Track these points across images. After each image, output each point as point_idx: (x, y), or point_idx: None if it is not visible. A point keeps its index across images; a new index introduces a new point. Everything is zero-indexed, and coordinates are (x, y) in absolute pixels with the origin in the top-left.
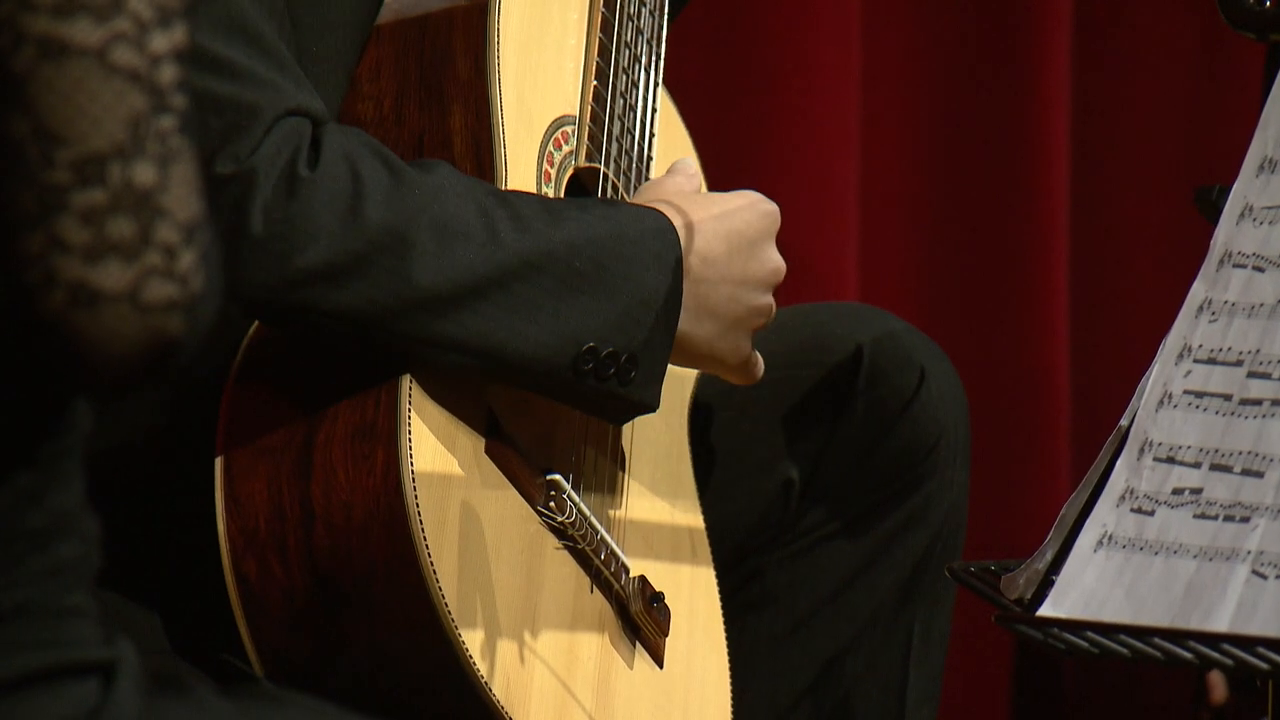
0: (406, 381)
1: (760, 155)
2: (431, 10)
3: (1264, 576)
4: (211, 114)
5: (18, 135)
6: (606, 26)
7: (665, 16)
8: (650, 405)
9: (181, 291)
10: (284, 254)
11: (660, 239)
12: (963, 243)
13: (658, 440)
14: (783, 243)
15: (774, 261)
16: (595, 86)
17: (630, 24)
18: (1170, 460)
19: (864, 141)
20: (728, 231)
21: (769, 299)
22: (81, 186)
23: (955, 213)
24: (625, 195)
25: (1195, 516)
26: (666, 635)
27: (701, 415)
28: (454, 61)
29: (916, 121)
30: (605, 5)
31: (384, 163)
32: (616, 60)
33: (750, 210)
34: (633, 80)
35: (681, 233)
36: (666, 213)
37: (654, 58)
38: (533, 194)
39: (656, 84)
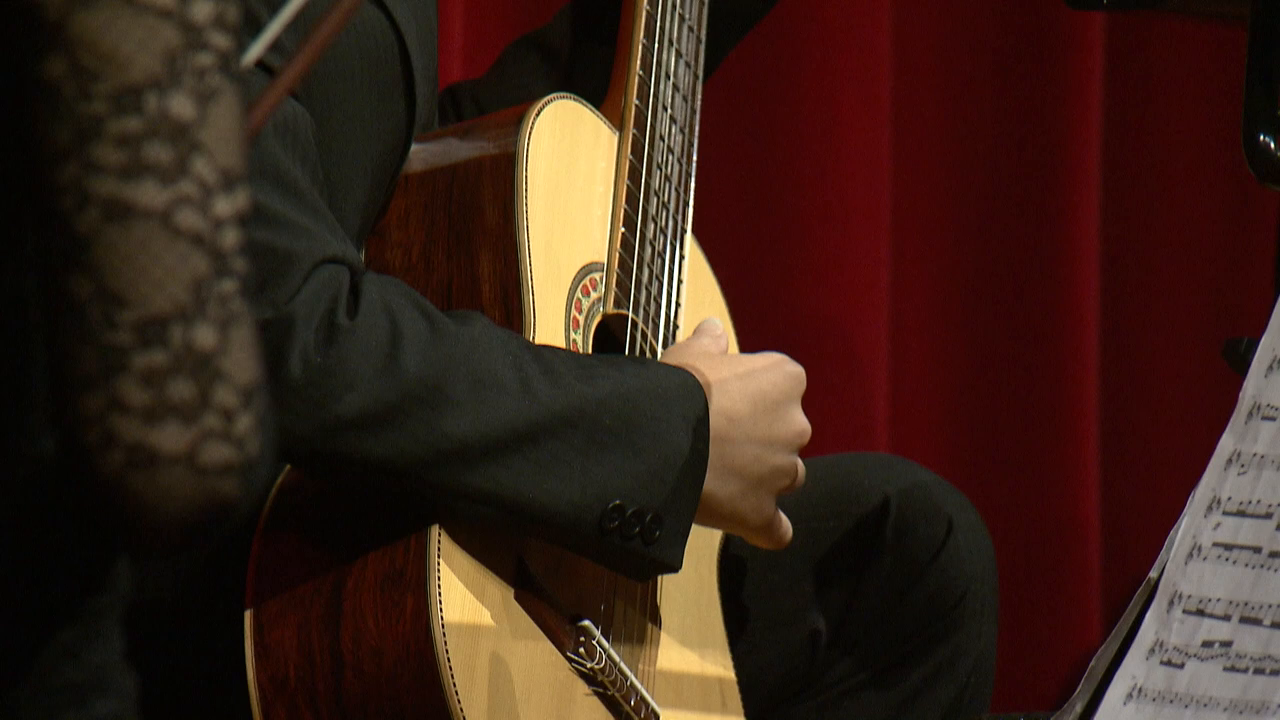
0: (435, 528)
1: (787, 298)
2: (460, 159)
3: None
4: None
5: (80, 296)
6: (634, 174)
7: (693, 163)
8: (673, 565)
9: (238, 455)
10: (321, 401)
11: (687, 399)
12: (993, 391)
13: (687, 587)
14: (812, 387)
15: (799, 423)
16: (623, 234)
17: (658, 171)
18: (1200, 613)
19: (893, 286)
20: (753, 392)
21: (794, 460)
22: (143, 348)
23: (986, 360)
24: (654, 342)
25: (1225, 670)
26: None
27: (730, 564)
28: (482, 209)
29: (946, 268)
30: (633, 153)
31: (423, 314)
32: (644, 207)
33: (775, 371)
34: (661, 227)
35: (708, 392)
36: (695, 374)
37: (682, 204)
38: (565, 349)
39: (684, 231)
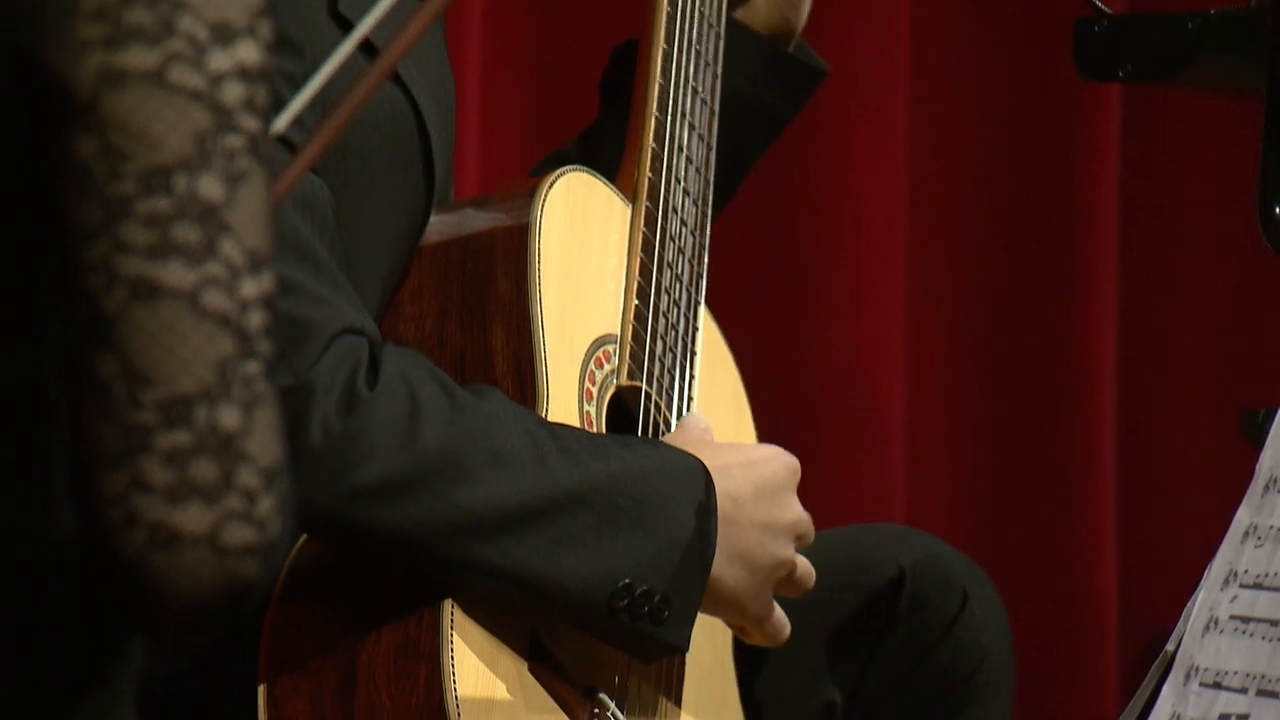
0: (449, 601)
1: (801, 365)
2: (473, 231)
3: None
4: None
5: (106, 375)
6: (647, 246)
7: (706, 236)
8: (681, 647)
9: (259, 536)
10: (339, 469)
11: (694, 482)
12: (1010, 461)
13: (703, 659)
14: (828, 453)
15: (796, 511)
16: (636, 306)
17: (671, 244)
18: (1216, 686)
19: (909, 353)
20: (754, 478)
21: (792, 550)
22: (167, 428)
23: (1003, 429)
24: (667, 414)
25: None
26: None
27: None
28: (495, 282)
29: (963, 336)
30: (646, 225)
31: (441, 387)
32: (658, 279)
33: (775, 460)
34: (674, 299)
35: (714, 475)
36: (702, 458)
37: (695, 276)
38: (579, 428)
39: (698, 302)
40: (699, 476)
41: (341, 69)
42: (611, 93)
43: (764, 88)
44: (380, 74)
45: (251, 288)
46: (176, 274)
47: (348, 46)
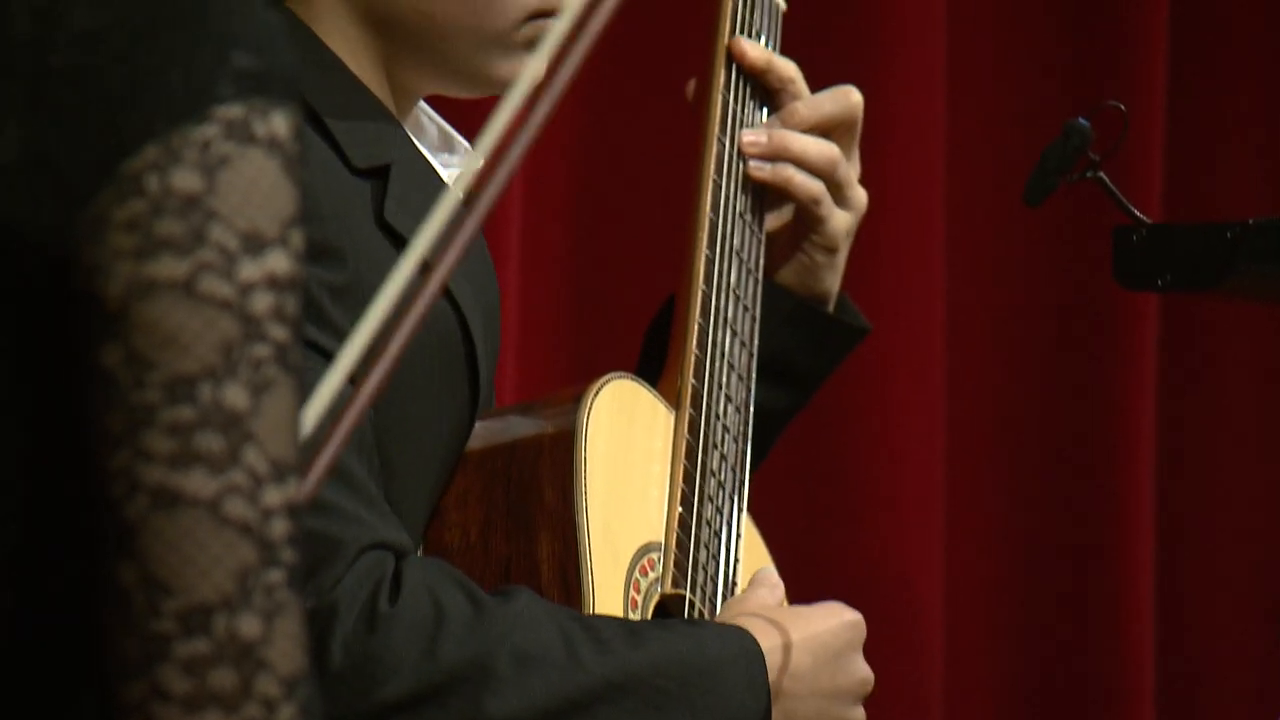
0: None
1: (841, 586)
2: (518, 438)
3: None
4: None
5: (126, 583)
6: (691, 454)
7: (749, 442)
8: None
9: None
10: (364, 689)
11: (744, 655)
12: (1045, 668)
13: None
14: (867, 642)
15: (862, 671)
16: (680, 513)
17: (714, 450)
18: None
19: (948, 569)
20: (813, 644)
21: (859, 711)
22: (185, 637)
23: (1041, 641)
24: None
25: None
26: None
27: None
28: (541, 490)
29: (1003, 549)
30: (689, 432)
31: (466, 593)
32: (701, 487)
33: (834, 619)
34: (717, 507)
35: (769, 653)
36: (753, 630)
37: (737, 483)
38: (614, 617)
39: (741, 510)
40: (750, 650)
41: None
42: (651, 344)
43: (799, 348)
44: (434, 292)
45: (275, 496)
46: (198, 483)
47: (407, 268)
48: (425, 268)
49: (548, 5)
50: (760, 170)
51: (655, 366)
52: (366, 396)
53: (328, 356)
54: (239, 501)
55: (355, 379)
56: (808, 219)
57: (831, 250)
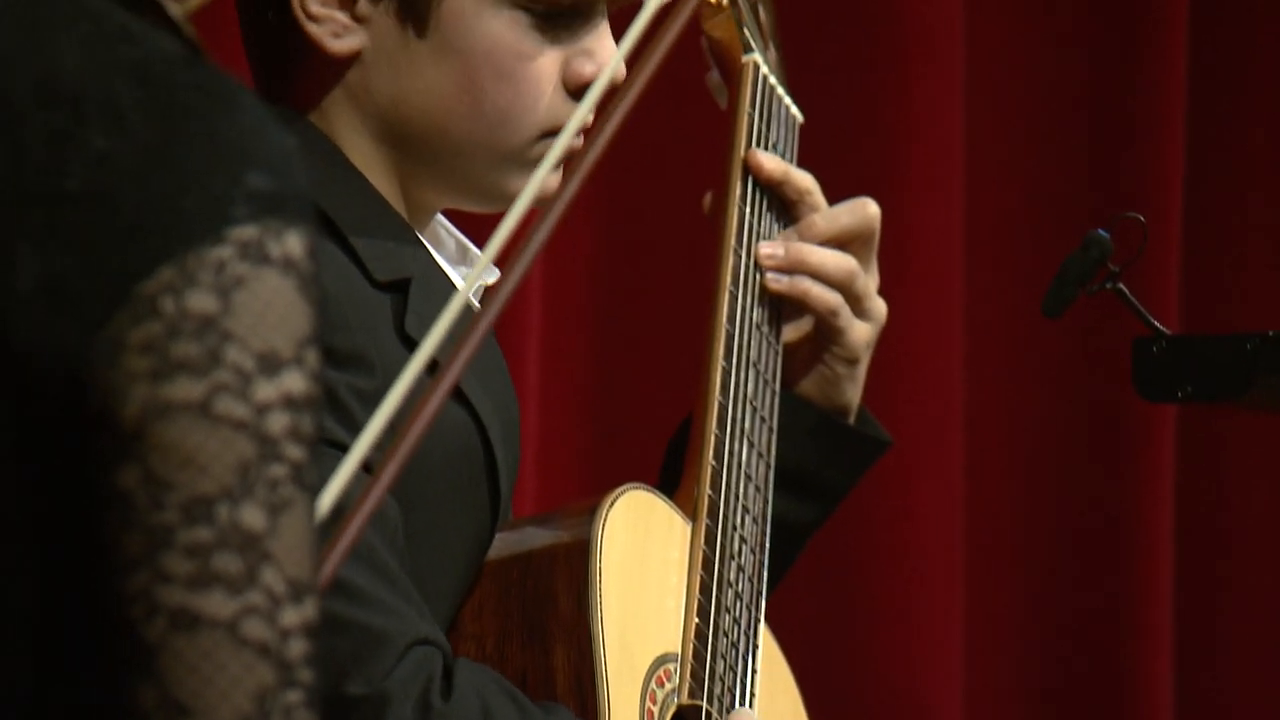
0: None
1: (860, 700)
2: (534, 548)
3: None
4: (340, 636)
5: (145, 706)
6: (707, 564)
7: (766, 553)
8: None
9: None
10: None
11: None
12: None
13: None
14: None
15: None
16: (697, 624)
17: (731, 561)
18: None
19: (966, 683)
20: None
21: None
22: None
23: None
24: None
25: None
26: None
27: None
28: (556, 600)
29: (1021, 667)
30: (706, 542)
31: (513, 700)
32: (718, 598)
33: None
34: (735, 617)
35: None
36: None
37: (755, 594)
38: None
39: (758, 620)
40: None
41: (411, 389)
42: (672, 459)
43: (821, 461)
44: (448, 388)
45: (293, 617)
46: (216, 604)
47: (416, 367)
48: (435, 366)
49: (562, 122)
50: (777, 282)
51: (675, 480)
52: (384, 483)
53: (367, 469)
54: (257, 622)
55: (371, 468)
56: (827, 331)
57: (852, 362)
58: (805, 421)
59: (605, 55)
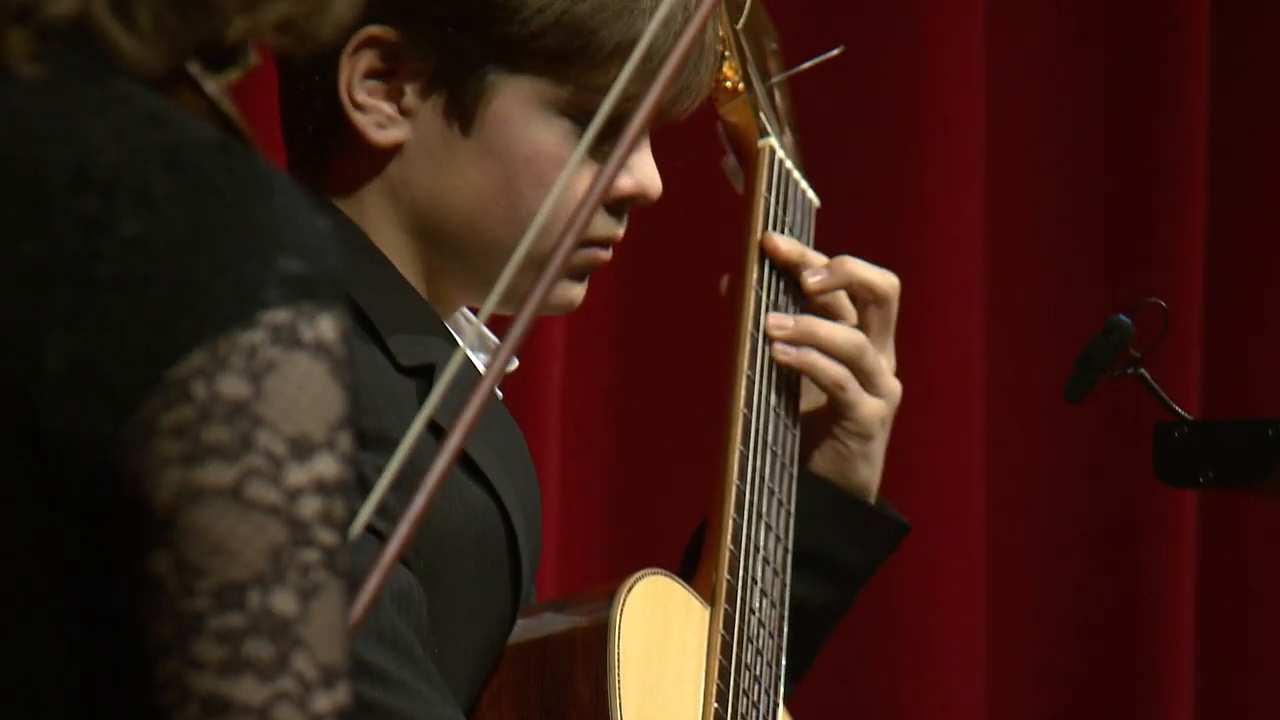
0: None
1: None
2: (552, 633)
3: None
4: (365, 717)
5: None
6: (726, 649)
7: (784, 638)
8: None
9: None
10: None
11: None
12: None
13: None
14: None
15: None
16: (716, 709)
17: (750, 646)
18: None
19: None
20: None
21: None
22: None
23: None
24: None
25: None
26: None
27: None
28: (574, 685)
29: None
30: (724, 628)
31: None
32: (736, 682)
33: None
34: (753, 701)
35: None
36: None
37: (774, 679)
38: None
39: (778, 705)
40: None
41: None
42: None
43: (837, 541)
44: (456, 447)
45: (325, 702)
46: (248, 690)
47: (416, 429)
48: (439, 430)
49: (594, 233)
50: (785, 354)
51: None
52: (396, 549)
53: (378, 535)
54: (289, 708)
55: (382, 535)
56: (837, 405)
57: (865, 438)
58: (821, 500)
59: (644, 171)
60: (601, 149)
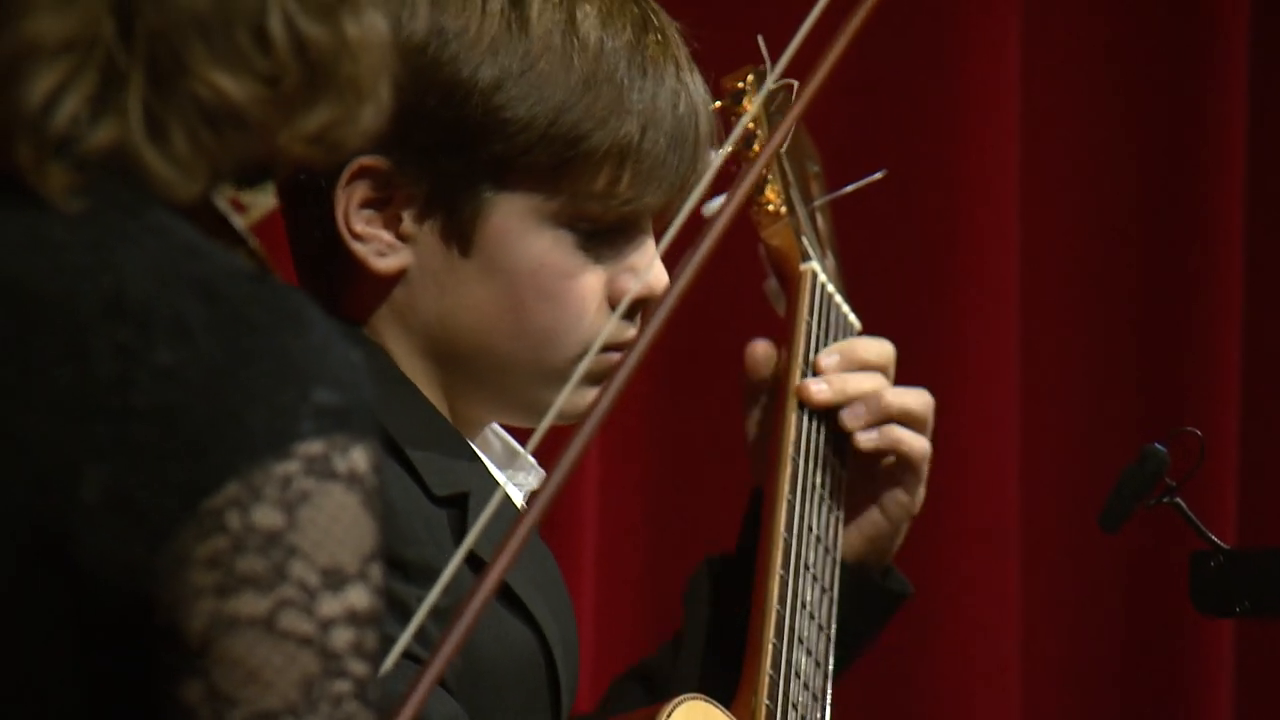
0: None
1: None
2: None
3: None
4: None
5: None
6: None
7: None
8: None
9: None
10: None
11: None
12: None
13: None
14: None
15: None
16: None
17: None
18: None
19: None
20: None
21: None
22: None
23: None
24: None
25: None
26: None
27: None
28: None
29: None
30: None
31: None
32: None
33: None
34: None
35: None
36: None
37: None
38: None
39: None
40: None
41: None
42: (694, 602)
43: (851, 615)
44: (495, 580)
45: None
46: None
47: (455, 562)
48: (478, 562)
49: (609, 339)
50: (869, 440)
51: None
52: (437, 671)
53: (416, 661)
54: None
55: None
56: (910, 481)
57: (913, 515)
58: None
59: (650, 273)
60: (603, 253)
